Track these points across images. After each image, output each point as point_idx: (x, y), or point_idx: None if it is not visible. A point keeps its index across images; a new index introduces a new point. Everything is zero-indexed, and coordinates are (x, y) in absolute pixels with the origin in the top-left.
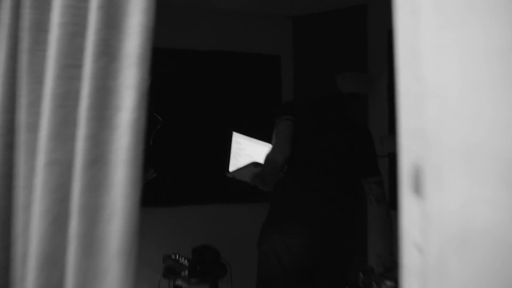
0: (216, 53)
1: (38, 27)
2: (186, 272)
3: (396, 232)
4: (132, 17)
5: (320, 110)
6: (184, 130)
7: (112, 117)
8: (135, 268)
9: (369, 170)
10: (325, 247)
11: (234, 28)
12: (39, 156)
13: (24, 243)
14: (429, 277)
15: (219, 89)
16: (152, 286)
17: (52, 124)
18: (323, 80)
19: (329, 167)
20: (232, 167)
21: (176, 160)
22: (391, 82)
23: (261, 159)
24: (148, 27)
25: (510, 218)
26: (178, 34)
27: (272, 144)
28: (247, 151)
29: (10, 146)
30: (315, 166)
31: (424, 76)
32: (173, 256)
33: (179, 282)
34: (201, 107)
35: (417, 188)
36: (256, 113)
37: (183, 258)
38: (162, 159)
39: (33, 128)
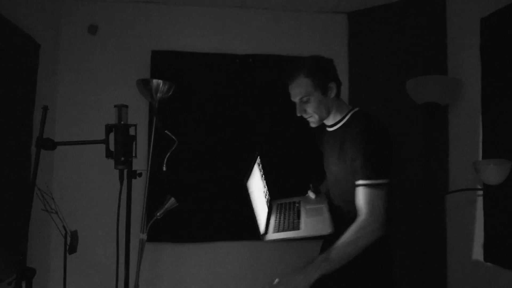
0: (253, 57)
1: None
2: None
3: None
4: None
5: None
6: (207, 150)
7: None
8: None
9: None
10: None
11: (276, 27)
12: None
13: None
14: None
15: (255, 98)
16: None
17: None
18: (387, 87)
19: None
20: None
21: (201, 187)
22: (488, 88)
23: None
24: None
25: None
26: (207, 35)
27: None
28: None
29: None
30: None
31: None
32: None
33: None
34: (230, 121)
35: None
36: (299, 127)
37: None
38: (183, 186)
39: None
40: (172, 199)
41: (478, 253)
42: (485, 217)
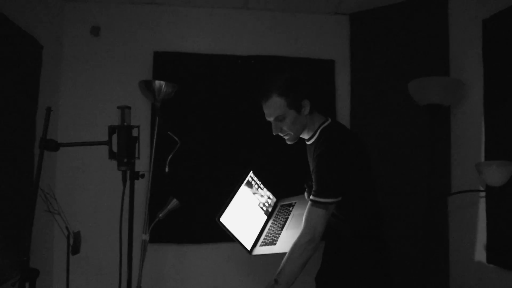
0: (255, 58)
1: None
2: None
3: None
4: None
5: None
6: (209, 151)
7: None
8: None
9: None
10: None
11: (278, 28)
12: None
13: None
14: None
15: (257, 99)
16: None
17: None
18: (389, 88)
19: None
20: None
21: (203, 188)
22: (490, 89)
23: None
24: None
25: None
26: (210, 36)
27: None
28: (248, 201)
29: None
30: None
31: None
32: None
33: None
34: (232, 122)
35: None
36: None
37: None
38: (186, 187)
39: None
40: (175, 200)
41: (480, 254)
42: (487, 218)
